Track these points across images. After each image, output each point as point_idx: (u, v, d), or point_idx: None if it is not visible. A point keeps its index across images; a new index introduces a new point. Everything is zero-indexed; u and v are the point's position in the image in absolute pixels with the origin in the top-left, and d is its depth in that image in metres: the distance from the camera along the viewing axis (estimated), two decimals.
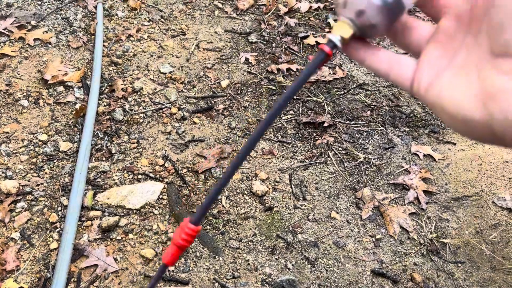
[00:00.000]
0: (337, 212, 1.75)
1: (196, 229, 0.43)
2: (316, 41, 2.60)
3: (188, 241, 0.44)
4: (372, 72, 0.43)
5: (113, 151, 1.92)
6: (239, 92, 2.31)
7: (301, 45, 2.61)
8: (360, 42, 0.43)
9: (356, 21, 0.40)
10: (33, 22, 2.60)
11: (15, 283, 1.45)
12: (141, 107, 2.17)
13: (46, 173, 1.81)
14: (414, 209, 1.76)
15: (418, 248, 1.65)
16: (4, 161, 1.84)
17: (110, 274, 1.51)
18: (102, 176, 1.83)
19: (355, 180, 1.87)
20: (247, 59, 2.51)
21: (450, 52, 0.39)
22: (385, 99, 2.25)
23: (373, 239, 1.66)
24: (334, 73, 2.39)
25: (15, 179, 1.77)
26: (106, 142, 1.96)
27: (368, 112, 2.17)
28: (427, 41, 0.41)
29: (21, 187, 1.74)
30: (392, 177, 1.88)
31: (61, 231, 1.62)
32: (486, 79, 0.33)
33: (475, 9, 0.39)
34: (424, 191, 1.82)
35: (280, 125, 2.13)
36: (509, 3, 0.32)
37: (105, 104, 2.15)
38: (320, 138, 2.05)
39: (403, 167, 1.92)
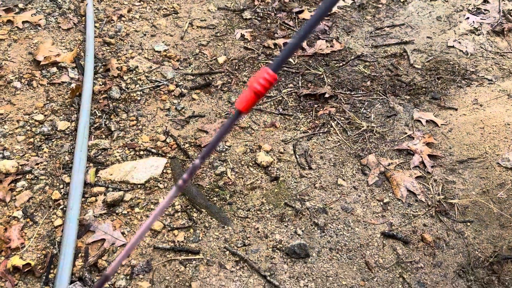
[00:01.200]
0: (344, 179, 1.74)
1: (274, 76, 0.40)
2: (311, 16, 2.58)
3: (265, 87, 0.41)
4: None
5: (113, 129, 1.88)
6: (236, 67, 2.28)
7: (296, 20, 2.58)
8: None
9: None
10: (20, 5, 2.52)
11: (21, 260, 1.41)
12: (137, 85, 2.12)
13: (45, 152, 1.77)
14: (420, 173, 1.76)
15: (427, 209, 1.65)
16: (0, 142, 1.78)
17: (118, 247, 1.48)
18: (103, 153, 1.79)
19: (359, 148, 1.86)
20: (242, 35, 2.48)
21: None
22: (384, 69, 2.24)
23: (381, 203, 1.66)
24: (331, 46, 2.37)
25: (13, 159, 1.72)
26: (105, 120, 1.92)
27: (368, 82, 2.16)
28: None
29: (20, 167, 1.69)
30: (396, 143, 1.88)
31: (64, 208, 1.58)
32: None
33: None
34: (429, 155, 1.82)
35: (280, 98, 2.10)
36: None
37: (101, 83, 2.11)
38: (321, 109, 2.03)
39: (406, 133, 1.91)
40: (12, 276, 1.38)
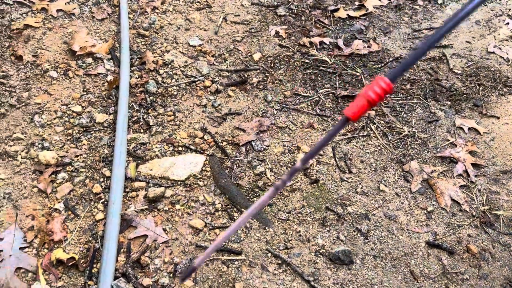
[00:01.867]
0: (385, 185, 1.71)
1: (390, 85, 0.38)
2: (347, 14, 2.54)
3: (380, 96, 0.39)
4: None
5: (151, 123, 1.86)
6: (272, 65, 2.25)
7: (332, 18, 2.55)
8: None
9: None
10: None
11: (65, 253, 1.40)
12: (173, 80, 2.10)
13: (84, 144, 1.75)
14: (464, 181, 1.73)
15: (471, 220, 1.62)
16: (39, 132, 1.77)
17: (160, 244, 1.47)
18: (142, 148, 1.77)
19: (401, 153, 1.83)
20: (277, 32, 2.44)
21: None
22: (424, 73, 2.21)
23: (425, 212, 1.63)
24: (369, 47, 2.33)
25: (53, 150, 1.71)
26: (143, 114, 1.90)
27: (408, 86, 2.12)
28: None
29: (59, 158, 1.68)
30: (438, 150, 1.84)
31: (105, 202, 1.56)
32: None
33: None
34: (472, 164, 1.78)
35: (317, 98, 2.07)
36: None
37: (137, 76, 2.08)
38: None
39: (448, 140, 1.88)
40: (56, 269, 1.37)
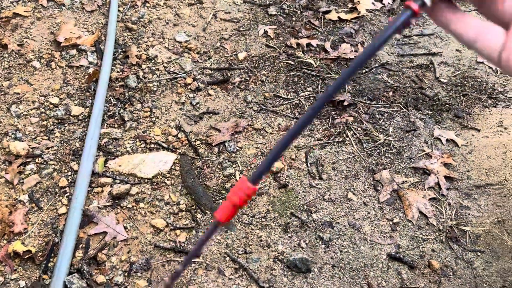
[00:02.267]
0: (354, 194, 1.70)
1: (254, 189, 0.40)
2: (338, 17, 2.50)
3: (244, 200, 0.40)
4: (456, 38, 0.40)
5: (126, 119, 1.86)
6: (256, 65, 2.24)
7: (322, 20, 2.51)
8: (447, 4, 0.39)
9: None
10: None
11: (23, 245, 1.41)
12: (155, 75, 2.10)
13: (56, 136, 1.76)
14: (434, 194, 1.70)
15: (437, 234, 1.59)
16: (14, 122, 1.79)
17: (120, 242, 1.47)
18: (114, 143, 1.77)
19: (373, 162, 1.81)
20: (265, 32, 2.42)
21: None
22: (409, 80, 2.17)
23: (390, 223, 1.61)
24: (356, 51, 2.30)
25: (25, 141, 1.73)
26: (119, 109, 1.90)
27: (390, 93, 2.09)
28: None
29: (30, 150, 1.69)
30: (412, 160, 1.82)
31: (70, 196, 1.58)
32: None
33: None
34: (445, 177, 1.76)
35: (297, 101, 2.05)
36: None
37: (119, 70, 2.09)
38: (339, 117, 1.98)
39: (424, 151, 1.85)
40: (12, 261, 1.39)
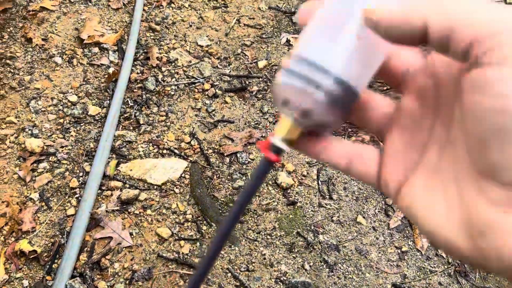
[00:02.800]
0: (364, 217, 1.66)
1: None
2: None
3: None
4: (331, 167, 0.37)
5: (141, 122, 1.87)
6: (275, 75, 2.21)
7: None
8: (311, 135, 0.36)
9: (302, 121, 0.33)
10: None
11: (29, 245, 1.44)
12: (173, 79, 2.10)
13: (72, 135, 1.78)
14: None
15: (446, 267, 1.55)
16: (31, 118, 1.81)
17: (124, 248, 1.48)
18: (127, 146, 1.78)
19: None
20: (288, 41, 2.39)
21: (418, 143, 0.32)
22: None
23: (399, 251, 1.57)
24: None
25: (41, 138, 1.75)
26: (135, 111, 1.91)
27: None
28: (390, 122, 0.35)
29: (45, 147, 1.72)
30: None
31: (79, 198, 1.59)
32: (471, 207, 0.26)
33: (441, 88, 0.32)
34: None
35: None
36: (492, 114, 0.24)
37: (139, 71, 2.10)
38: (355, 135, 1.94)
39: None
40: (18, 259, 1.41)
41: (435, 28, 0.26)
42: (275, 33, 2.44)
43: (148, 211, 1.59)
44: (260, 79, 2.17)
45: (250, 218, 1.62)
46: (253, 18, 2.51)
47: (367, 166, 0.35)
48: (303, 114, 0.33)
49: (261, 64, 2.24)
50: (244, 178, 1.75)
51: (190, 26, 2.40)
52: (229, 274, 1.46)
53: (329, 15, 0.33)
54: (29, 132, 1.76)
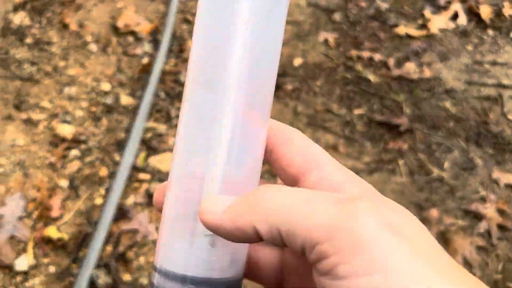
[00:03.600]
0: None
1: None
2: (406, 33, 2.36)
3: None
4: None
5: (172, 115, 1.85)
6: (311, 75, 2.15)
7: (388, 34, 2.38)
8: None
9: None
10: None
11: (57, 231, 1.43)
12: None
13: (103, 125, 1.77)
14: (483, 242, 1.57)
15: None
16: (65, 105, 1.81)
17: (149, 242, 1.46)
18: (157, 138, 1.76)
19: (423, 197, 1.69)
20: (326, 40, 2.33)
21: None
22: (473, 112, 2.02)
23: None
24: (420, 72, 2.16)
25: (73, 125, 1.75)
26: (167, 104, 1.89)
27: (451, 123, 1.95)
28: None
29: (77, 135, 1.71)
30: (465, 202, 1.69)
31: (108, 188, 1.58)
32: None
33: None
34: (498, 225, 1.62)
35: (349, 119, 1.96)
36: None
37: (172, 64, 2.07)
38: (392, 142, 1.87)
39: (479, 193, 1.71)
40: (46, 245, 1.41)
41: (264, 235, 0.26)
42: (313, 31, 2.37)
43: None
44: (295, 78, 2.12)
45: None
46: (291, 15, 2.46)
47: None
48: None
49: (297, 62, 2.19)
50: (272, 179, 1.70)
51: None
52: None
53: (178, 210, 0.32)
54: (62, 118, 1.76)
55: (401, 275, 0.23)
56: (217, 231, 0.28)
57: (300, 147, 0.33)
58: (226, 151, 0.30)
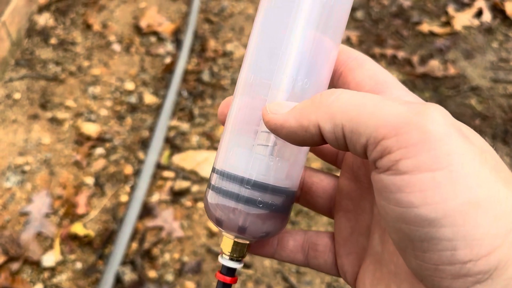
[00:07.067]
0: None
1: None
2: (429, 30, 2.33)
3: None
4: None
5: (195, 113, 1.85)
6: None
7: (411, 31, 2.35)
8: (262, 242, 0.36)
9: (243, 236, 0.33)
10: None
11: (83, 228, 1.45)
12: (228, 72, 2.07)
13: (127, 123, 1.79)
14: None
15: None
16: (89, 104, 1.83)
17: (174, 239, 1.47)
18: (181, 137, 1.77)
19: None
20: (348, 37, 2.31)
21: (363, 226, 0.33)
22: (499, 110, 1.97)
23: None
24: (444, 70, 2.13)
25: (97, 123, 1.77)
26: (190, 103, 1.90)
27: (477, 122, 1.91)
28: (334, 205, 0.36)
29: (101, 133, 1.73)
30: None
31: (133, 185, 1.59)
32: None
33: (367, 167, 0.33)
34: None
35: None
36: (397, 222, 0.24)
37: (195, 63, 2.08)
38: None
39: None
40: (72, 242, 1.43)
41: (327, 134, 0.26)
42: None
43: (199, 204, 1.57)
44: None
45: (302, 219, 1.57)
46: None
47: (324, 257, 0.35)
48: (240, 231, 0.32)
49: None
50: None
51: (247, 19, 2.37)
52: (279, 275, 1.42)
53: (243, 118, 0.33)
54: (86, 117, 1.78)
55: (466, 176, 0.23)
56: (280, 130, 0.28)
57: (371, 71, 0.33)
58: (294, 62, 0.31)
